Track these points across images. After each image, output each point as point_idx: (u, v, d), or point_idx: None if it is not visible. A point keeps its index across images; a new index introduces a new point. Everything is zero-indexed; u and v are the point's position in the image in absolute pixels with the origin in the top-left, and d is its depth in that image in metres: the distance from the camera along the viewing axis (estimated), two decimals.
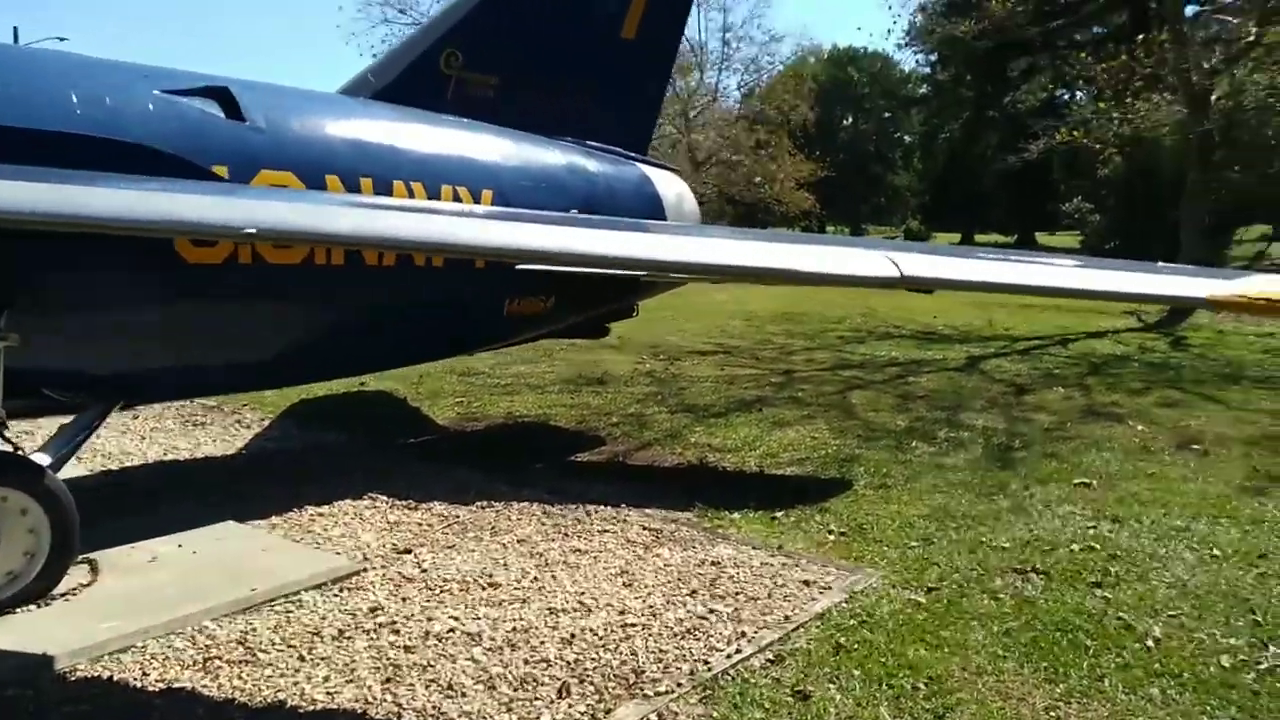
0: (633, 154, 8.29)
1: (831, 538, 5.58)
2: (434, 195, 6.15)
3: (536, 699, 3.67)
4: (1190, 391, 10.27)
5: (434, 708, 3.59)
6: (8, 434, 4.63)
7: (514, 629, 4.23)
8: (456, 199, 6.31)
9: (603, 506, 6.03)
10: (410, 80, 6.79)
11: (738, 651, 4.04)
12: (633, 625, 4.29)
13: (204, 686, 3.74)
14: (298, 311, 5.78)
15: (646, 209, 7.84)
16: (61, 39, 40.09)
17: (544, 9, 7.30)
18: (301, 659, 3.95)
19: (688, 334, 15.16)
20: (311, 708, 3.61)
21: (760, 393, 10.23)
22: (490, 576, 4.84)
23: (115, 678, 3.82)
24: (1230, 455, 7.53)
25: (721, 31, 43.09)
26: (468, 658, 3.96)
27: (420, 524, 5.71)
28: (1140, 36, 18.02)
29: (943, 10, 29.45)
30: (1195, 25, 20.01)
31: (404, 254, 5.83)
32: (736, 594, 4.67)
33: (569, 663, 3.94)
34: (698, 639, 4.18)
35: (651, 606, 4.51)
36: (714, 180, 37.99)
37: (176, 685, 3.76)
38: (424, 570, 4.94)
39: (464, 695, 3.68)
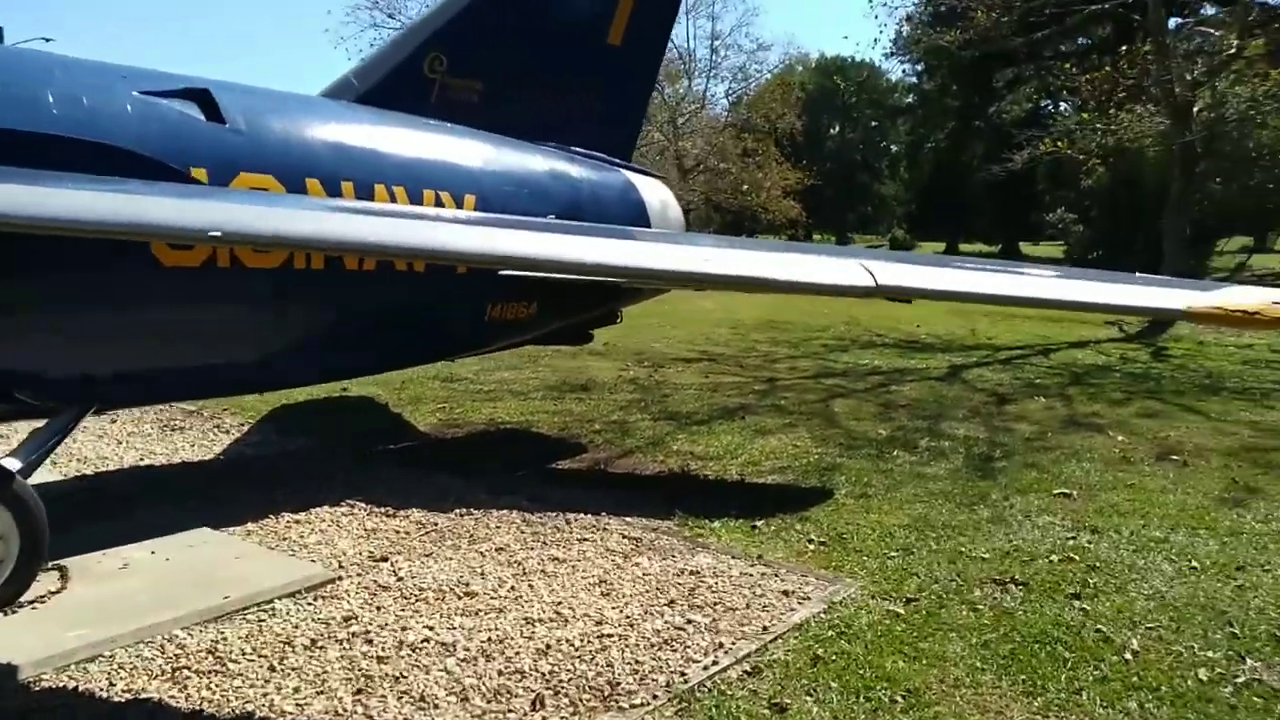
0: (617, 160, 8.28)
1: (811, 547, 5.56)
2: (416, 200, 6.11)
3: (510, 711, 3.62)
4: (1170, 402, 10.31)
5: None
6: None
7: (489, 639, 4.19)
8: (439, 203, 6.27)
9: (583, 514, 5.99)
10: (394, 84, 6.74)
11: (715, 663, 4.01)
12: (609, 636, 4.25)
13: (172, 697, 3.69)
14: (276, 316, 5.72)
15: (631, 215, 7.82)
16: (47, 39, 39.88)
17: (529, 14, 7.27)
18: (272, 669, 3.90)
19: (673, 341, 15.15)
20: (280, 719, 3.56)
21: (743, 400, 10.21)
22: (467, 585, 4.80)
23: (81, 688, 3.75)
24: (1209, 466, 7.55)
25: (710, 39, 43.21)
26: (441, 668, 3.92)
27: (398, 531, 5.65)
28: (1124, 48, 18.21)
29: (929, 20, 29.57)
30: (1178, 38, 20.18)
31: (382, 259, 5.78)
32: (715, 604, 4.64)
33: (544, 674, 3.90)
34: (675, 650, 4.14)
35: (629, 617, 4.47)
36: (701, 187, 38.08)
37: (144, 696, 3.70)
38: (400, 579, 4.89)
39: (436, 707, 3.63)
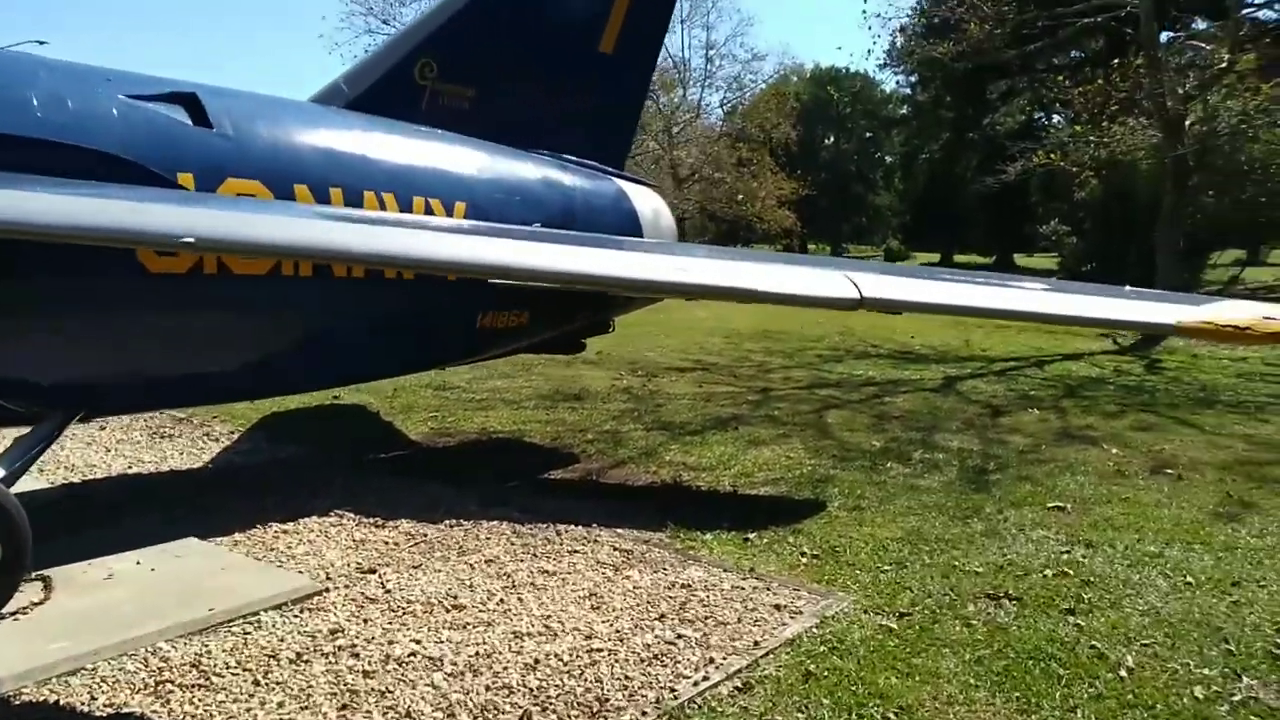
0: (610, 168, 8.24)
1: (804, 560, 5.51)
2: (406, 207, 6.07)
3: None
4: (1164, 415, 10.29)
5: None
6: None
7: (477, 653, 4.13)
8: (429, 211, 6.23)
9: (574, 526, 5.94)
10: (384, 90, 6.71)
11: (705, 679, 3.96)
12: (599, 650, 4.20)
13: (154, 712, 3.62)
14: (264, 323, 5.67)
15: (623, 224, 7.78)
16: (41, 42, 39.76)
17: (520, 21, 7.25)
18: (256, 683, 3.84)
19: (667, 350, 15.11)
20: None
21: (737, 411, 10.17)
22: (455, 598, 4.74)
23: (62, 701, 3.69)
24: (1204, 480, 7.52)
25: (704, 49, 43.40)
26: (428, 683, 3.86)
27: (387, 542, 5.59)
28: (1116, 62, 18.28)
29: (922, 32, 29.64)
30: (1170, 51, 20.28)
31: (361, 267, 5.72)
32: (706, 618, 4.59)
33: (532, 689, 3.84)
34: (665, 665, 4.09)
35: (619, 631, 4.42)
36: (696, 197, 38.16)
37: (125, 710, 3.63)
38: (388, 591, 4.83)
39: None
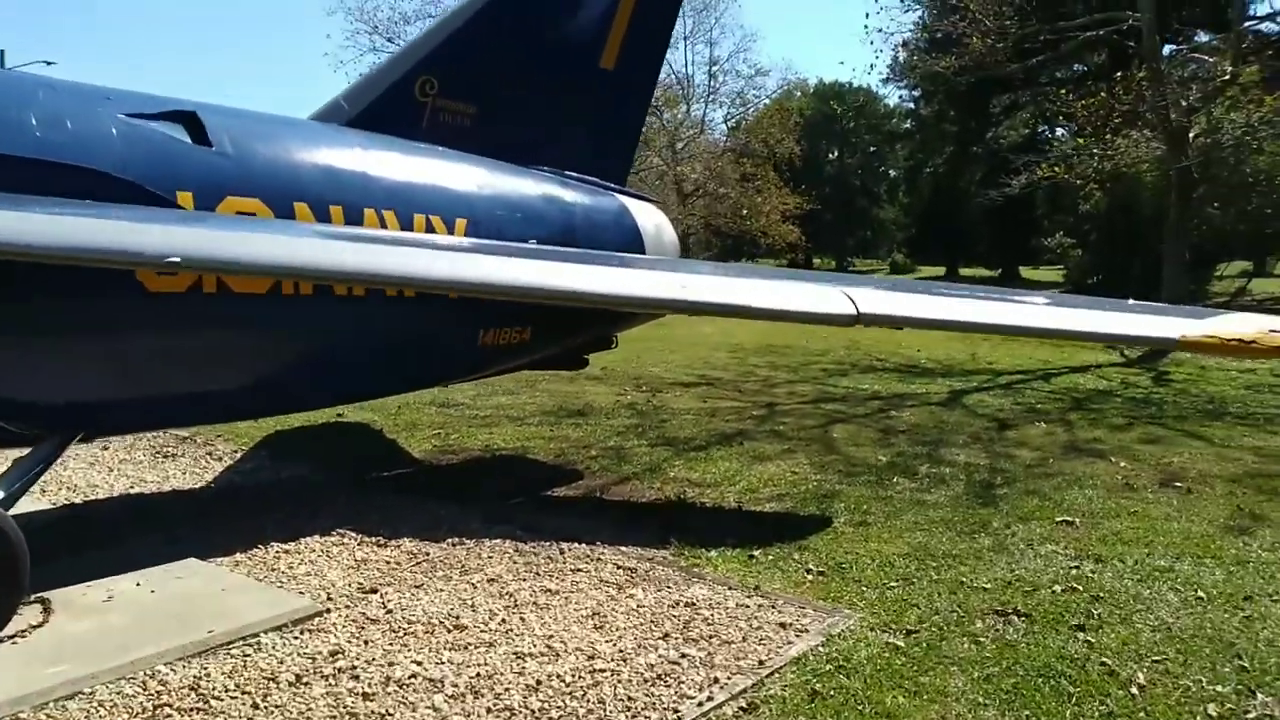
0: (612, 184, 8.24)
1: (810, 577, 5.45)
2: (406, 224, 6.06)
3: None
4: (1173, 428, 10.22)
5: None
6: None
7: (478, 674, 4.08)
8: (430, 228, 6.22)
9: (577, 544, 5.88)
10: (385, 107, 6.72)
11: (709, 699, 3.90)
12: (601, 671, 4.14)
13: None
14: (264, 342, 5.64)
15: (625, 240, 7.77)
16: (49, 63, 40.12)
17: (521, 37, 7.25)
18: (255, 706, 3.79)
19: (671, 365, 15.08)
20: None
21: (741, 426, 10.12)
22: (457, 618, 4.69)
23: None
24: (1214, 493, 7.45)
25: (708, 65, 43.66)
26: (428, 705, 3.80)
27: (389, 562, 5.55)
28: (1119, 74, 18.24)
29: (925, 47, 29.73)
30: (1173, 64, 20.27)
31: (352, 285, 5.69)
32: (710, 637, 4.53)
33: (533, 711, 3.78)
34: (669, 685, 4.03)
35: (622, 650, 4.36)
36: (700, 212, 38.22)
37: None
38: (389, 611, 4.78)
39: None
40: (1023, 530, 6.37)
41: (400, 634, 4.51)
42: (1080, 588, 5.29)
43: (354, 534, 5.99)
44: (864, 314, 3.78)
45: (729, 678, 4.09)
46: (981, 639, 4.59)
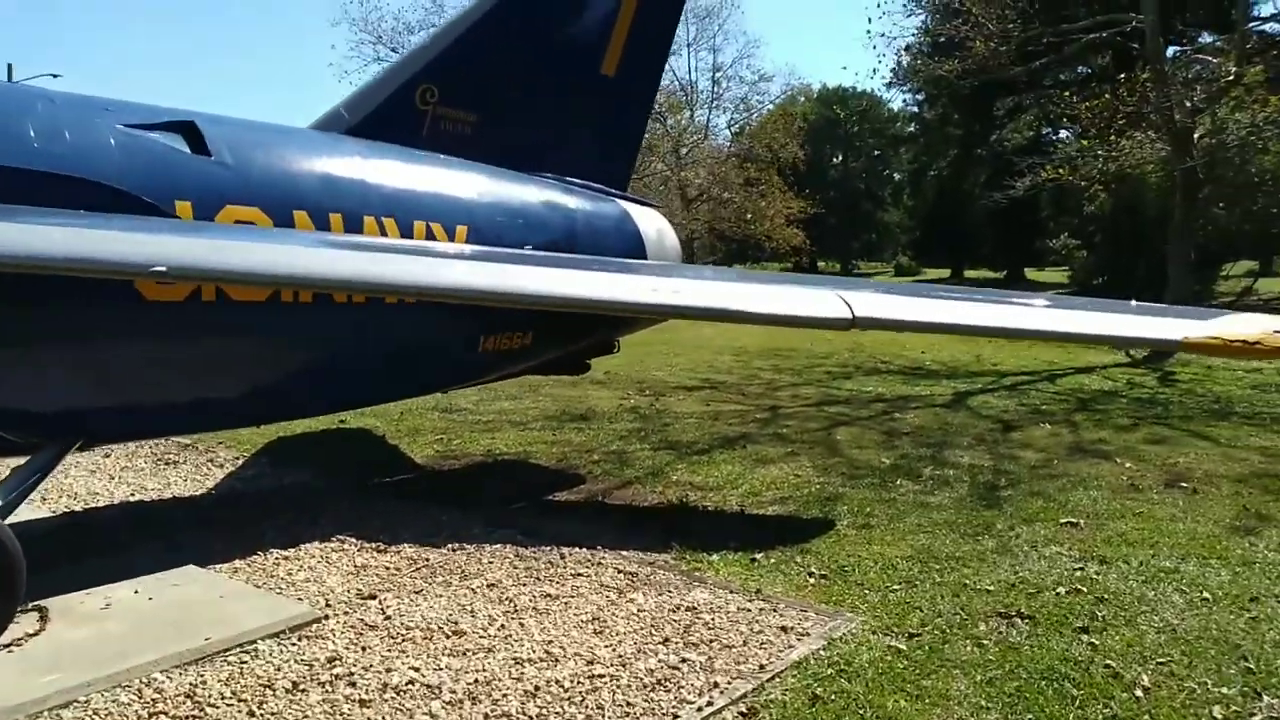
0: (614, 190, 8.22)
1: (812, 580, 5.41)
2: (406, 231, 6.05)
3: None
4: (1178, 428, 10.16)
5: None
6: None
7: (476, 680, 4.05)
8: (430, 235, 6.21)
9: (578, 548, 5.86)
10: (385, 116, 6.71)
11: (709, 704, 3.87)
12: (600, 676, 4.11)
13: None
14: (263, 349, 5.64)
15: (627, 246, 7.75)
16: (55, 75, 40.30)
17: (522, 45, 7.25)
18: (251, 714, 3.77)
19: (675, 369, 15.06)
20: None
21: (745, 429, 10.09)
22: (456, 624, 4.66)
23: None
24: (1219, 494, 7.39)
25: (712, 71, 43.76)
26: (425, 712, 3.78)
27: (388, 567, 5.53)
28: (1123, 76, 18.18)
29: (928, 50, 29.68)
30: (1176, 65, 20.22)
31: (347, 293, 5.66)
32: (711, 642, 4.50)
33: (531, 717, 3.76)
34: (668, 690, 4.00)
35: (621, 656, 4.33)
36: (705, 217, 38.23)
37: None
38: (388, 617, 4.76)
39: None
40: (1027, 532, 6.33)
41: (399, 640, 4.49)
42: (1084, 589, 5.25)
43: (354, 540, 5.97)
44: (859, 318, 3.74)
45: (729, 682, 4.06)
46: (985, 642, 4.55)
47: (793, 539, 6.14)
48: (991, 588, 5.28)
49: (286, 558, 5.64)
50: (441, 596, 5.06)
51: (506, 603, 4.98)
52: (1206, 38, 26.80)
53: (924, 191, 63.66)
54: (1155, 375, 14.43)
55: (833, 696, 3.97)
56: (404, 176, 6.35)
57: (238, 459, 8.45)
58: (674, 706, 3.86)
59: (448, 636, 4.53)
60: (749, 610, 4.90)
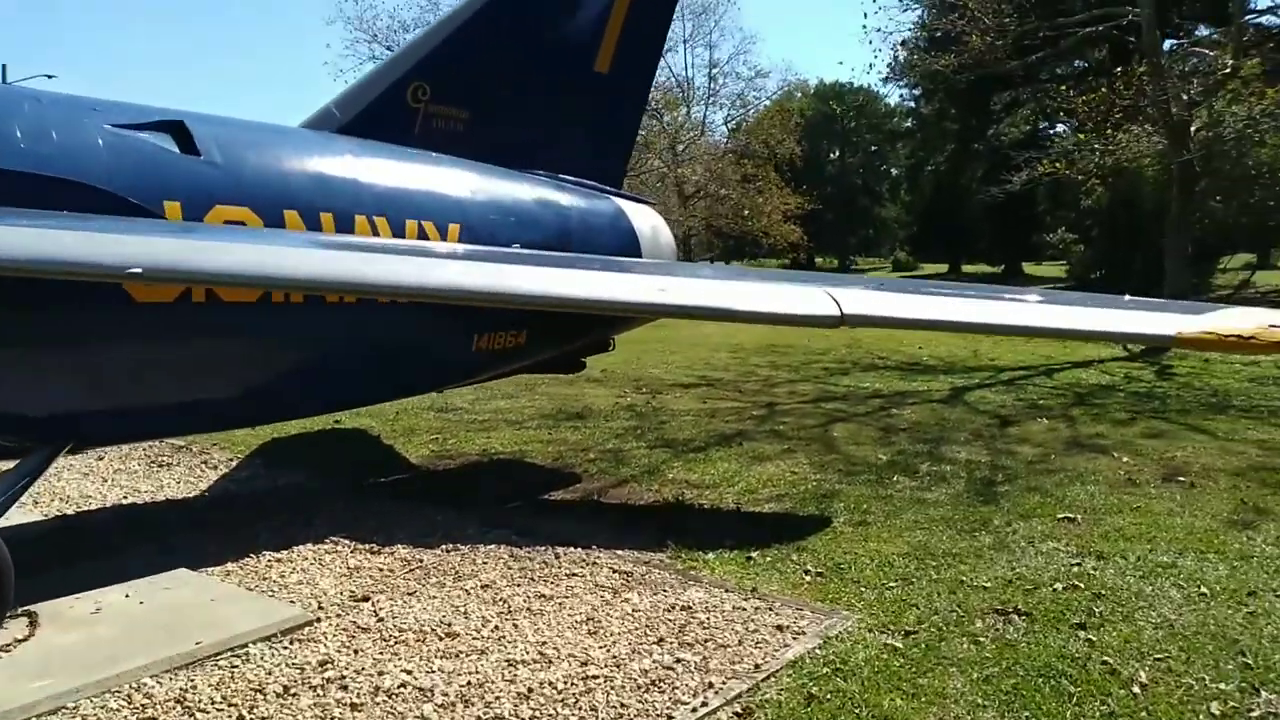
0: (608, 187, 8.19)
1: (808, 578, 5.38)
2: (398, 230, 6.01)
3: None
4: (1176, 422, 10.13)
5: None
6: None
7: (469, 683, 4.02)
8: (422, 233, 6.17)
9: (572, 548, 5.83)
10: (376, 114, 6.67)
11: (704, 704, 3.84)
12: (594, 677, 4.08)
13: None
14: (254, 350, 5.60)
15: (621, 243, 7.72)
16: (49, 76, 40.22)
17: (514, 42, 7.21)
18: (241, 718, 3.73)
19: (671, 366, 15.03)
20: None
21: (741, 426, 10.06)
22: (449, 626, 4.63)
23: None
24: (1217, 487, 7.37)
25: (708, 67, 43.72)
26: (417, 715, 3.75)
27: (381, 569, 5.50)
28: (1119, 70, 18.15)
29: (924, 45, 29.61)
30: (1173, 58, 20.17)
31: (331, 294, 5.61)
32: (706, 641, 4.47)
33: (524, 719, 3.73)
34: (663, 691, 3.97)
35: (616, 656, 4.30)
36: (702, 213, 38.18)
37: None
38: (380, 619, 4.73)
39: None
40: (1024, 528, 6.30)
41: (391, 642, 4.46)
42: (1082, 585, 5.22)
43: (348, 541, 5.94)
44: (849, 315, 3.70)
45: (724, 682, 4.03)
46: (981, 639, 4.53)
47: (789, 537, 6.11)
48: (988, 584, 5.25)
49: (279, 560, 5.60)
50: (435, 598, 5.03)
51: (500, 604, 4.95)
52: (1203, 30, 26.79)
53: (921, 187, 63.62)
54: (1152, 369, 14.41)
55: (828, 696, 3.94)
56: (396, 175, 6.30)
57: (232, 460, 8.42)
58: (669, 707, 3.83)
59: (441, 638, 4.50)
60: (744, 609, 4.87)
